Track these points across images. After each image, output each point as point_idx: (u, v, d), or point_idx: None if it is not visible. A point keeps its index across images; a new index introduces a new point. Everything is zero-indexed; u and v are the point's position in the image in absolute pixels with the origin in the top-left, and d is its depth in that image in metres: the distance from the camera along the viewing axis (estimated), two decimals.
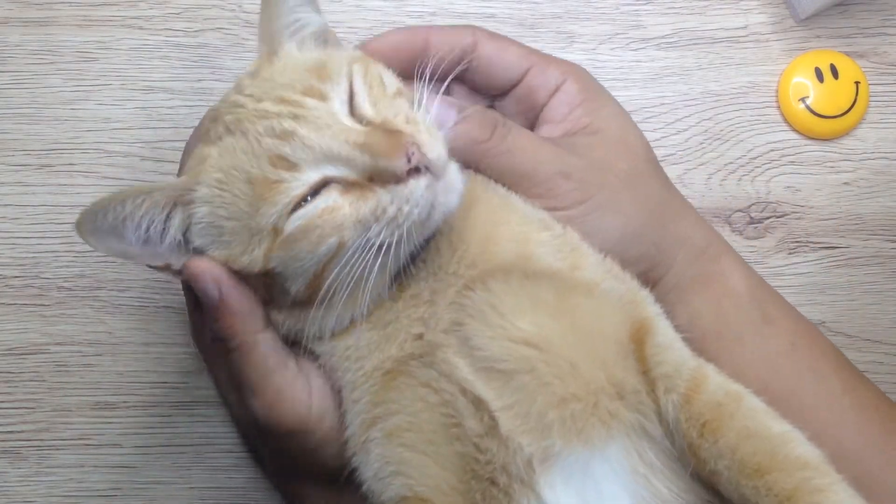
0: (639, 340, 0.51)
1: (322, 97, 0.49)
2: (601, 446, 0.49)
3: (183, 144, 0.70)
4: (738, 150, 0.71)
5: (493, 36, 0.59)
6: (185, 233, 0.51)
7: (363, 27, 0.71)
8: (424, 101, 0.51)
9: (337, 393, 0.54)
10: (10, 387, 0.68)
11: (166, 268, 0.52)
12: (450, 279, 0.51)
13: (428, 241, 0.52)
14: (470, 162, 0.53)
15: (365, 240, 0.47)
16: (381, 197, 0.47)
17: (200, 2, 0.71)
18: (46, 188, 0.69)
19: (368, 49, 0.56)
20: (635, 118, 0.70)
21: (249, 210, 0.49)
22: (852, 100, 0.71)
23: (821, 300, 0.70)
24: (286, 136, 0.48)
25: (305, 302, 0.50)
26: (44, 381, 0.68)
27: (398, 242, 0.48)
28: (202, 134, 0.53)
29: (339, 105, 0.50)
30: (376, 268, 0.48)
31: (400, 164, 0.46)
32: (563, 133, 0.58)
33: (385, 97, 0.51)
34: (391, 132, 0.48)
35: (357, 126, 0.49)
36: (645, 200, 0.57)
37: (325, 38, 0.56)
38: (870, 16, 0.73)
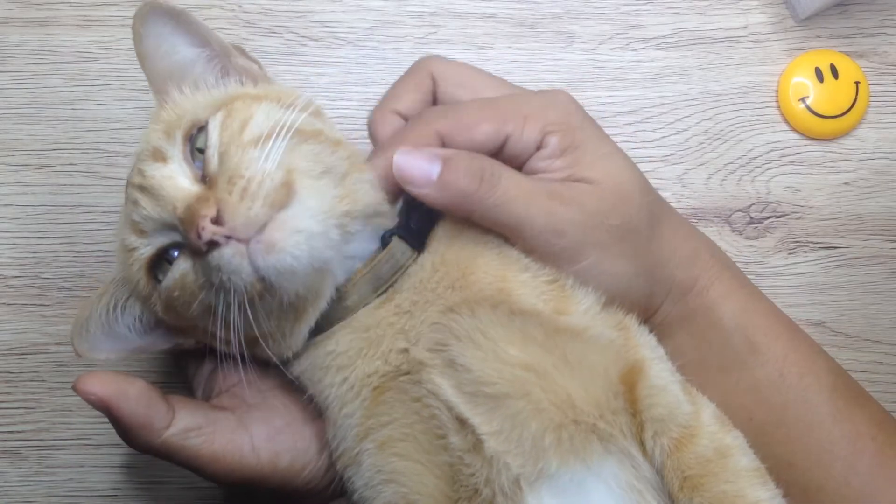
0: (630, 382, 0.50)
1: (163, 159, 0.50)
2: (598, 463, 0.48)
3: None
4: (738, 150, 0.71)
5: (456, 116, 0.53)
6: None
7: (363, 27, 0.71)
8: (273, 151, 0.48)
9: (314, 418, 0.54)
10: (10, 387, 0.68)
11: (179, 345, 0.54)
12: (429, 295, 0.51)
13: (417, 258, 0.52)
14: (461, 214, 0.51)
15: (222, 299, 0.47)
16: (203, 266, 0.47)
17: (200, 2, 0.71)
18: (46, 188, 0.69)
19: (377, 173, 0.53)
20: (635, 118, 0.71)
21: (131, 280, 0.51)
22: (852, 100, 0.71)
23: (821, 300, 0.70)
24: (136, 204, 0.49)
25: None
26: (44, 381, 0.68)
27: (253, 302, 0.46)
28: None
29: (176, 165, 0.49)
30: (259, 320, 0.47)
31: (193, 239, 0.46)
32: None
33: (237, 146, 0.48)
34: (200, 201, 0.46)
35: (193, 187, 0.48)
36: (634, 256, 0.54)
37: (237, 65, 0.55)
38: (870, 16, 0.73)
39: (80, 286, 0.68)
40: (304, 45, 0.71)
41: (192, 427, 0.51)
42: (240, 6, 0.71)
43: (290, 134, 0.48)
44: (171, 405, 0.51)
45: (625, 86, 0.72)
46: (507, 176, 0.51)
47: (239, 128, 0.49)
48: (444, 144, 0.53)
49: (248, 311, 0.46)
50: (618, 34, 0.72)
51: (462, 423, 0.49)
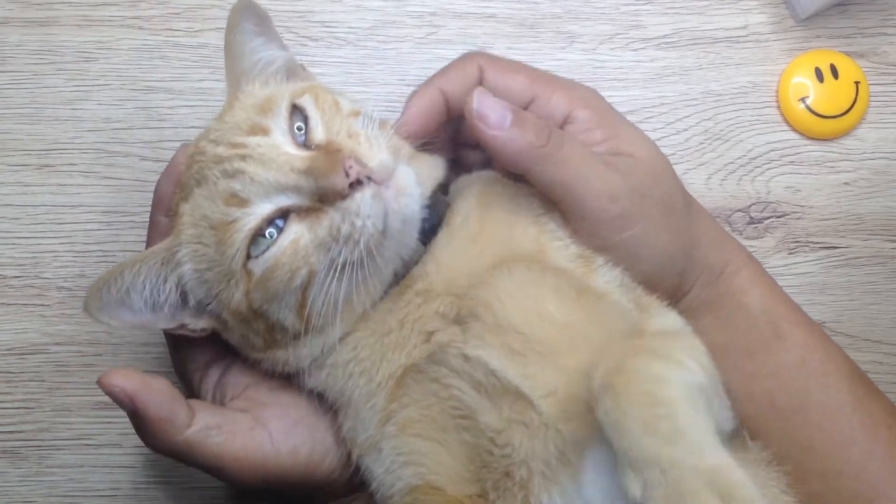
0: None
1: (265, 132, 0.51)
2: None
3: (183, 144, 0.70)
4: (738, 150, 0.71)
5: (497, 63, 0.57)
6: (183, 292, 0.52)
7: (363, 27, 0.71)
8: (373, 116, 0.52)
9: (325, 411, 0.54)
10: (10, 387, 0.68)
11: (182, 328, 0.53)
12: (471, 263, 0.52)
13: (433, 232, 0.53)
14: (520, 167, 0.53)
15: (329, 261, 0.48)
16: (333, 216, 0.48)
17: (200, 2, 0.71)
18: (46, 188, 0.69)
19: (401, 131, 0.55)
20: (635, 118, 0.71)
21: (218, 256, 0.50)
22: (852, 100, 0.71)
23: (821, 300, 0.70)
24: (236, 174, 0.49)
25: (303, 332, 0.51)
26: (44, 381, 0.68)
27: (363, 260, 0.48)
28: (180, 184, 0.54)
29: (280, 136, 0.51)
30: (353, 286, 0.49)
31: (339, 180, 0.47)
32: None
33: (339, 117, 0.52)
34: (331, 152, 0.49)
35: (302, 153, 0.50)
36: (676, 232, 0.56)
37: (292, 70, 0.58)
38: (870, 16, 0.73)
39: (80, 286, 0.68)
40: (304, 45, 0.71)
41: (212, 425, 0.51)
42: None
43: (369, 117, 0.52)
44: (190, 405, 0.52)
45: (625, 86, 0.72)
46: (570, 138, 0.54)
47: (332, 105, 0.53)
48: (482, 78, 0.56)
49: (363, 267, 0.48)
50: (618, 34, 0.72)
51: (506, 394, 0.49)
